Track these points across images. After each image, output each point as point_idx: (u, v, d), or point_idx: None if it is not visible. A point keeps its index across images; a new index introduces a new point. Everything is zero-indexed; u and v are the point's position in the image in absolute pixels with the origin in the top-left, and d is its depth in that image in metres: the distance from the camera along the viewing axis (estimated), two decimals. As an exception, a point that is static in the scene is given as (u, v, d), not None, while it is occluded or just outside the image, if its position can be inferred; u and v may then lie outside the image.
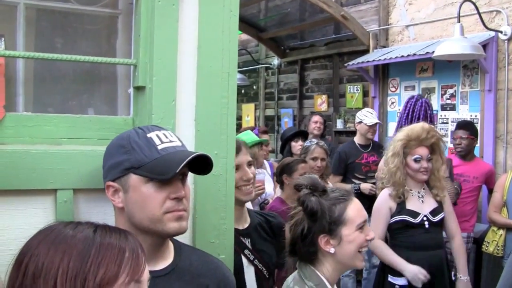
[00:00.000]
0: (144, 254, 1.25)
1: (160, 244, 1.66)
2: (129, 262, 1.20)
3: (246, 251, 2.48)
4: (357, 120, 6.25)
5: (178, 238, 1.75)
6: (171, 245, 1.73)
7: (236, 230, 2.43)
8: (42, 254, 1.18)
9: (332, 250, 2.13)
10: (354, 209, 2.17)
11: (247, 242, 2.52)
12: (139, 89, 1.95)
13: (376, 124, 6.15)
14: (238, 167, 2.42)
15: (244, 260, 2.48)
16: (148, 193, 1.56)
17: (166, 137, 1.63)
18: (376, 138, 6.65)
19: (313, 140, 5.36)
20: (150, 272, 1.31)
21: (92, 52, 1.97)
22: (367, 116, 6.10)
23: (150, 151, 1.58)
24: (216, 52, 2.02)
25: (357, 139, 6.25)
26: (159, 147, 1.59)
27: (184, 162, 1.52)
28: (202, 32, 2.00)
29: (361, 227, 2.16)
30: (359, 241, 2.15)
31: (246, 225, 2.56)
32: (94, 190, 1.77)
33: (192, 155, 1.55)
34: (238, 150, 2.43)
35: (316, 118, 7.28)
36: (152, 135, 1.62)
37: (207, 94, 2.00)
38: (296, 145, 6.22)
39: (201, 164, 1.63)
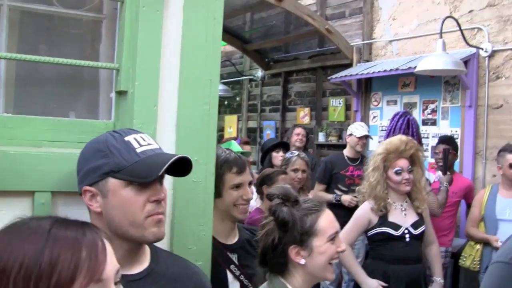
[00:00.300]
0: (105, 249, 1.17)
1: (136, 249, 1.65)
2: (86, 262, 1.11)
3: (232, 267, 2.45)
4: (348, 132, 6.29)
5: (157, 243, 1.75)
6: (147, 249, 1.72)
7: (223, 245, 2.43)
8: None
9: (302, 262, 2.10)
10: (326, 220, 2.15)
11: (234, 257, 2.48)
12: (121, 93, 1.95)
13: (365, 136, 6.16)
14: (240, 186, 2.42)
15: (230, 275, 2.44)
16: (128, 196, 1.56)
17: (144, 140, 1.63)
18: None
19: (294, 151, 5.38)
20: (125, 276, 1.28)
21: (75, 55, 1.96)
22: (358, 129, 6.13)
23: (129, 154, 1.57)
24: (199, 58, 2.03)
25: (346, 151, 6.25)
26: (138, 150, 1.58)
27: (167, 164, 1.52)
28: (186, 38, 2.01)
29: (332, 239, 2.13)
30: (330, 252, 2.12)
31: (234, 240, 2.53)
32: (73, 193, 1.74)
33: (175, 157, 1.55)
34: (243, 169, 2.44)
35: (298, 130, 7.30)
36: (129, 138, 1.61)
37: (189, 100, 2.01)
38: (277, 156, 6.22)
39: (180, 167, 1.62)
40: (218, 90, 2.11)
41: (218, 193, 2.33)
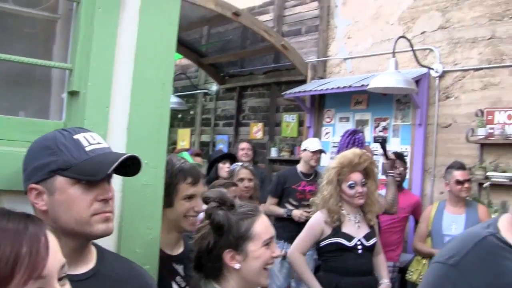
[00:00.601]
0: (47, 243, 1.11)
1: (82, 248, 1.62)
2: (26, 257, 1.05)
3: (177, 278, 2.40)
4: (302, 147, 6.26)
5: (104, 245, 1.73)
6: (93, 250, 1.69)
7: (169, 256, 2.38)
8: None
9: (237, 266, 2.10)
10: (262, 225, 2.16)
11: (180, 268, 2.45)
12: (73, 94, 1.94)
13: (319, 151, 6.18)
14: (192, 197, 2.37)
15: (175, 287, 2.40)
16: (75, 195, 1.54)
17: (94, 139, 1.62)
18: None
19: (239, 163, 5.42)
20: (70, 276, 1.25)
21: (28, 54, 1.93)
22: (312, 144, 6.13)
23: (78, 152, 1.56)
24: (153, 62, 2.04)
25: (300, 167, 6.22)
26: (87, 149, 1.57)
27: (117, 163, 1.52)
28: (141, 41, 2.01)
29: (267, 244, 2.14)
30: (264, 257, 2.13)
31: (180, 251, 2.49)
32: (19, 192, 1.70)
33: (125, 156, 1.55)
34: (197, 180, 2.39)
35: (243, 145, 7.26)
36: (79, 136, 1.60)
37: (142, 103, 2.01)
38: (224, 167, 6.18)
39: (129, 167, 1.62)
40: (170, 94, 2.11)
41: (169, 203, 2.30)
